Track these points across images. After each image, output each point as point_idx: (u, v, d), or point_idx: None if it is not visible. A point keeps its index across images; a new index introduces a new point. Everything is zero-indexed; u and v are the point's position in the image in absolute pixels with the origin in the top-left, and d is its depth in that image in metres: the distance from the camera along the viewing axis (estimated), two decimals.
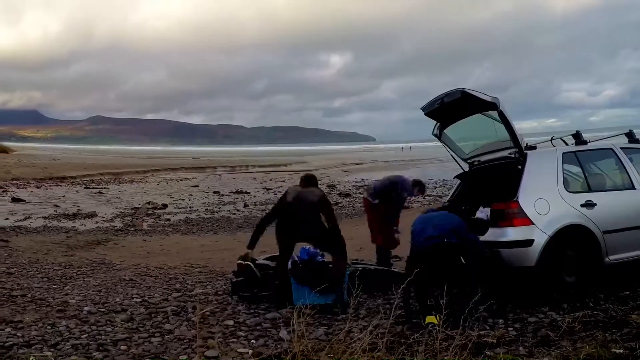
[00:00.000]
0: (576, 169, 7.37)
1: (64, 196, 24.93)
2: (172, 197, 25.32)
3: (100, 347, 5.57)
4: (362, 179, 33.46)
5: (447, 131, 8.20)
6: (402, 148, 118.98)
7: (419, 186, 9.45)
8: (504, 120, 6.89)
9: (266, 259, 8.34)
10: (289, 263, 7.46)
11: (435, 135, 8.27)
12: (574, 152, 7.37)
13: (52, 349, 5.47)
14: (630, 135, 8.17)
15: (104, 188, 29.70)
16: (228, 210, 20.49)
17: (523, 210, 6.63)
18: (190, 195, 26.49)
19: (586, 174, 7.31)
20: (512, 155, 7.27)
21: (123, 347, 5.62)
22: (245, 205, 21.94)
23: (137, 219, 18.44)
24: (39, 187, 28.59)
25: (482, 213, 7.37)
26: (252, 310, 7.01)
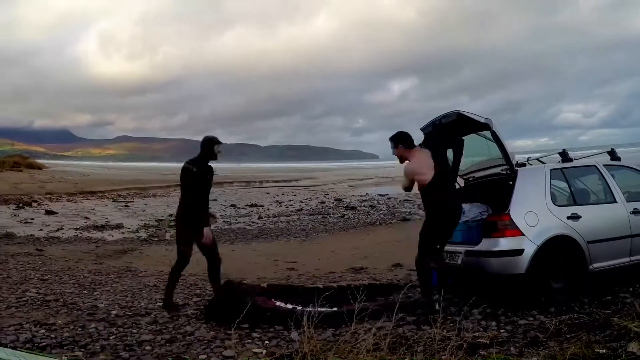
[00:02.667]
0: (563, 184, 7.38)
1: (93, 209, 25.00)
2: None
3: (127, 348, 5.60)
4: (367, 193, 33.41)
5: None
6: None
7: None
8: (497, 139, 6.92)
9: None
10: None
11: None
12: (561, 168, 7.39)
13: (82, 349, 5.49)
14: (612, 154, 8.20)
15: (130, 201, 29.75)
16: (244, 222, 20.49)
17: (514, 222, 6.65)
18: (209, 208, 26.48)
19: (572, 189, 7.32)
20: (504, 172, 7.29)
21: (147, 348, 5.64)
22: (260, 218, 21.94)
23: (160, 230, 18.45)
24: (70, 201, 28.68)
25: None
26: None
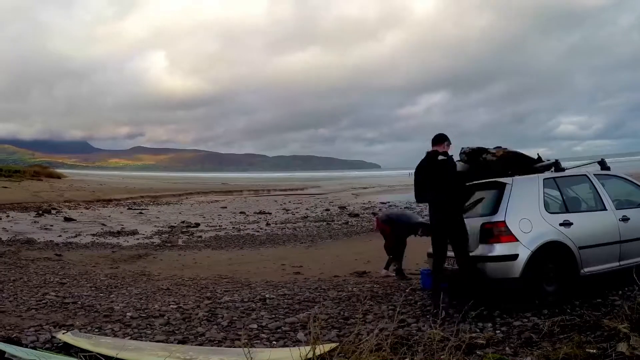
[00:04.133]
0: (555, 193, 7.39)
1: (109, 216, 25.08)
2: (204, 217, 25.39)
3: None
4: (369, 201, 33.41)
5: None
6: (409, 174, 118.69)
7: (422, 227, 9.45)
8: None
9: None
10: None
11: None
12: (554, 178, 7.41)
13: None
14: (602, 164, 8.23)
15: (145, 209, 29.83)
16: (252, 229, 20.50)
17: (509, 228, 6.66)
18: (220, 215, 26.55)
19: (564, 197, 7.33)
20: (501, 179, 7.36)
21: None
22: (267, 224, 21.95)
23: (173, 236, 18.50)
24: (87, 208, 28.79)
25: None
26: (273, 316, 7.04)
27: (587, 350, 4.19)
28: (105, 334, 6.13)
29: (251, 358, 3.79)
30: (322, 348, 4.62)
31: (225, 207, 31.62)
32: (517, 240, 6.61)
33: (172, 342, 5.82)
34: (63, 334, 5.67)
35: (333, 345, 4.99)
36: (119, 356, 4.61)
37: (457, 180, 7.04)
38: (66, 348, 5.34)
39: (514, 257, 6.55)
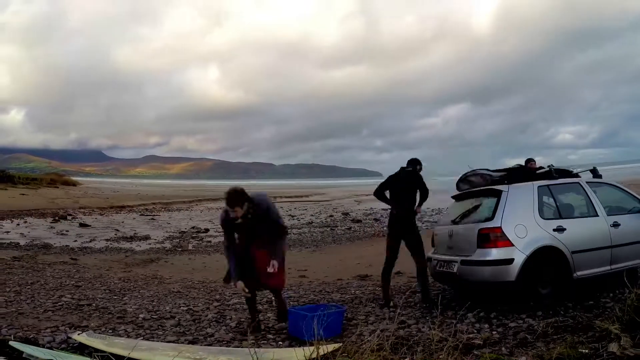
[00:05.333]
0: (549, 200, 7.40)
1: (122, 222, 25.15)
2: (213, 223, 25.40)
3: None
4: (371, 208, 33.37)
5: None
6: None
7: None
8: None
9: None
10: None
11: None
12: (547, 185, 7.42)
13: None
14: (594, 172, 8.26)
15: (156, 215, 29.90)
16: None
17: (505, 234, 6.67)
18: None
19: (557, 204, 7.34)
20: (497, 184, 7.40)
21: None
22: None
23: (183, 241, 18.54)
24: (102, 215, 28.86)
25: None
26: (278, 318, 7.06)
27: (579, 350, 4.19)
28: (119, 335, 6.15)
29: (257, 358, 3.81)
30: (326, 348, 4.63)
31: None
32: (513, 245, 6.62)
33: (182, 343, 5.85)
34: (78, 334, 5.69)
35: (336, 345, 5.00)
36: (131, 356, 4.63)
37: (423, 192, 7.77)
38: (81, 348, 5.36)
39: (510, 261, 6.56)
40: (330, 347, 4.84)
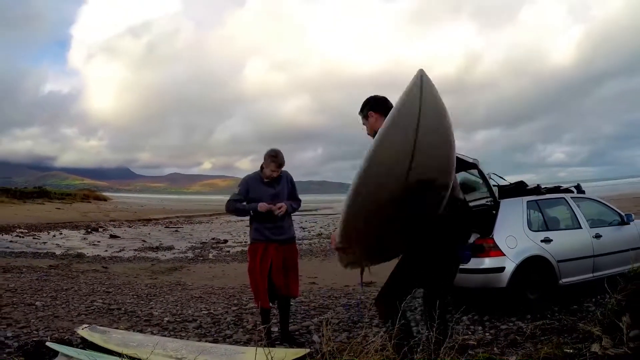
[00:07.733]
0: (537, 213, 7.43)
1: (149, 233, 25.25)
2: (231, 234, 25.47)
3: None
4: None
5: None
6: None
7: None
8: (482, 177, 7.03)
9: None
10: None
11: None
12: (536, 200, 7.46)
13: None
14: (578, 188, 8.29)
15: (180, 227, 29.99)
16: None
17: (497, 244, 6.70)
18: (245, 233, 26.47)
19: (545, 217, 7.37)
20: (489, 203, 7.38)
21: None
22: None
23: (204, 251, 18.59)
24: (130, 227, 28.98)
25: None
26: (291, 320, 7.06)
27: (564, 350, 4.20)
28: (142, 332, 6.18)
29: (272, 357, 3.85)
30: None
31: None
32: (504, 254, 6.65)
33: (204, 342, 5.90)
34: (82, 329, 5.59)
35: (300, 351, 5.06)
36: (123, 352, 4.51)
37: None
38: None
39: (501, 269, 6.59)
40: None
